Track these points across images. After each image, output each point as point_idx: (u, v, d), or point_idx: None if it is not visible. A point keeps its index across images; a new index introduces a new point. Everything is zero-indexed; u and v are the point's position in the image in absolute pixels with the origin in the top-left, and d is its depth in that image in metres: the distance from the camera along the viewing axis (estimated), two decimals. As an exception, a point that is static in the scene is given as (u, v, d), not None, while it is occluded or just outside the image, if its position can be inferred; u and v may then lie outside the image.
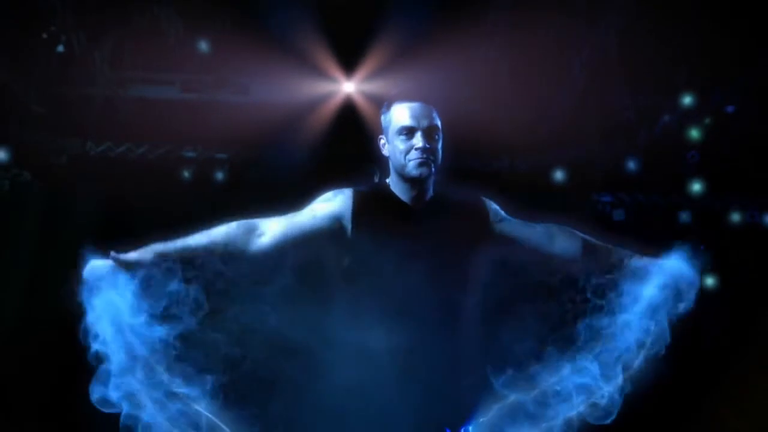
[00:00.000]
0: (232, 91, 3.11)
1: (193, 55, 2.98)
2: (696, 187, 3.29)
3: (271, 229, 1.71)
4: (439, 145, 1.76)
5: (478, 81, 3.09)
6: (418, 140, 1.70)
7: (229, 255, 1.67)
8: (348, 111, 3.11)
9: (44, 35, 2.83)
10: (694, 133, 3.16)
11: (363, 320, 1.67)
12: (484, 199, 1.79)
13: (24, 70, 2.89)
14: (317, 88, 3.07)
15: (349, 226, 1.71)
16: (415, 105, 1.74)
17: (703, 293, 2.09)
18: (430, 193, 1.78)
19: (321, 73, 3.04)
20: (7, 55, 2.84)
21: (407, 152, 1.71)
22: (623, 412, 1.81)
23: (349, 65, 3.05)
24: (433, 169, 1.73)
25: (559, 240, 1.76)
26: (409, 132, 1.72)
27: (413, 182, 1.74)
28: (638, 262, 1.72)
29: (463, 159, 2.91)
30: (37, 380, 2.92)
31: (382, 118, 1.78)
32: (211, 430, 1.70)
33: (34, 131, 2.97)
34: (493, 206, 1.79)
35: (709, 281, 3.14)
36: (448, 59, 2.93)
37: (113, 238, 1.86)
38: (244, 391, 1.91)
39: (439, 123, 1.76)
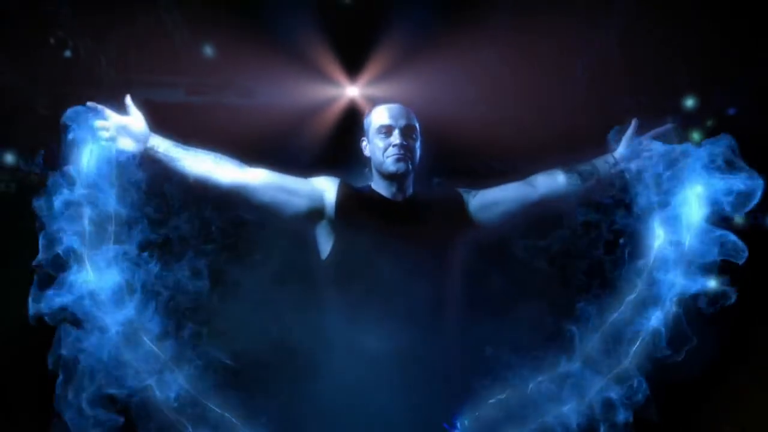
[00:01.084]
0: (237, 94, 3.14)
1: (199, 59, 3.02)
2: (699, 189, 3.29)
3: (255, 170, 1.78)
4: (417, 144, 1.82)
5: (480, 84, 3.11)
6: (395, 138, 1.77)
7: (213, 172, 1.72)
8: (352, 115, 3.13)
9: (51, 40, 2.87)
10: (696, 136, 3.17)
11: (349, 315, 1.70)
12: (458, 190, 1.83)
13: (31, 73, 2.93)
14: (321, 91, 3.10)
15: (332, 207, 1.76)
16: (393, 106, 1.83)
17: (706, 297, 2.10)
18: (410, 190, 1.83)
19: (325, 77, 3.06)
20: (15, 60, 2.88)
21: (386, 149, 1.78)
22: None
23: (352, 70, 3.08)
24: (410, 166, 1.79)
25: (541, 181, 1.79)
26: (387, 130, 1.80)
27: (392, 178, 1.80)
28: (621, 150, 1.79)
29: (465, 161, 2.94)
30: (40, 381, 2.93)
31: (365, 122, 1.85)
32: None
33: (41, 134, 3.00)
34: (465, 190, 1.83)
35: (712, 283, 3.14)
36: (450, 63, 2.95)
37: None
38: (232, 385, 1.95)
39: (416, 124, 1.83)
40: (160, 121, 2.01)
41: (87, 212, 1.72)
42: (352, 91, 3.11)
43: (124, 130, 1.70)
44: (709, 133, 3.31)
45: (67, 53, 2.90)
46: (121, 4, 2.85)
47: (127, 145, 1.70)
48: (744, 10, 2.84)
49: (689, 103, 3.14)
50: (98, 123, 1.66)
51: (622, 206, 1.81)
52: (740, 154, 2.52)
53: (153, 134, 1.73)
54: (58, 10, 2.83)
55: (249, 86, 3.15)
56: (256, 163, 1.94)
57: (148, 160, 1.71)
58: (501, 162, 3.37)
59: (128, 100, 1.71)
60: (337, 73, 3.07)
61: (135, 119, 1.71)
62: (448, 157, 2.80)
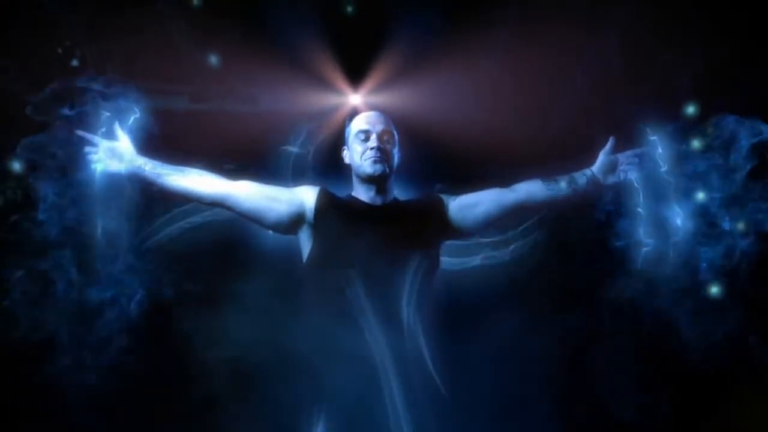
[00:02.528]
0: (241, 101, 3.18)
1: (203, 67, 3.06)
2: (700, 195, 3.30)
3: (237, 182, 1.88)
4: (395, 150, 1.88)
5: (482, 91, 3.14)
6: (372, 142, 1.83)
7: (197, 185, 1.85)
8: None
9: (59, 50, 2.92)
10: (696, 143, 3.18)
11: (328, 316, 1.73)
12: (439, 195, 1.89)
13: (39, 82, 2.97)
14: (324, 99, 3.13)
15: (312, 212, 1.82)
16: (371, 113, 1.89)
17: (707, 301, 2.14)
18: (391, 196, 1.87)
19: (328, 86, 3.09)
20: (23, 68, 2.91)
21: (363, 153, 1.83)
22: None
23: (355, 78, 3.11)
24: (387, 169, 1.84)
25: (521, 187, 1.87)
26: (365, 135, 1.85)
27: (370, 180, 1.85)
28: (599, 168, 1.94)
29: (467, 166, 2.96)
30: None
31: (345, 131, 1.91)
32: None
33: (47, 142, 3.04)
34: (446, 195, 1.89)
35: (714, 290, 3.14)
36: (452, 71, 2.98)
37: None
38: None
39: (394, 130, 1.89)
40: (165, 127, 2.05)
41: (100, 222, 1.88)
42: (355, 99, 3.14)
43: (112, 152, 1.82)
44: (710, 140, 3.35)
45: (75, 62, 2.95)
46: (127, 14, 2.90)
47: (115, 166, 1.84)
48: (746, 17, 2.87)
49: (690, 110, 3.15)
50: (87, 148, 1.81)
51: (614, 216, 1.90)
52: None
53: (138, 155, 1.84)
54: (66, 20, 2.88)
55: (253, 94, 3.19)
56: (259, 168, 1.98)
57: (135, 178, 1.82)
58: (503, 168, 3.39)
59: (116, 126, 1.84)
60: (340, 81, 3.10)
61: (122, 143, 1.84)
62: (450, 162, 2.82)
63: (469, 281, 2.43)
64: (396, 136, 1.93)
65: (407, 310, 1.73)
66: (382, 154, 1.85)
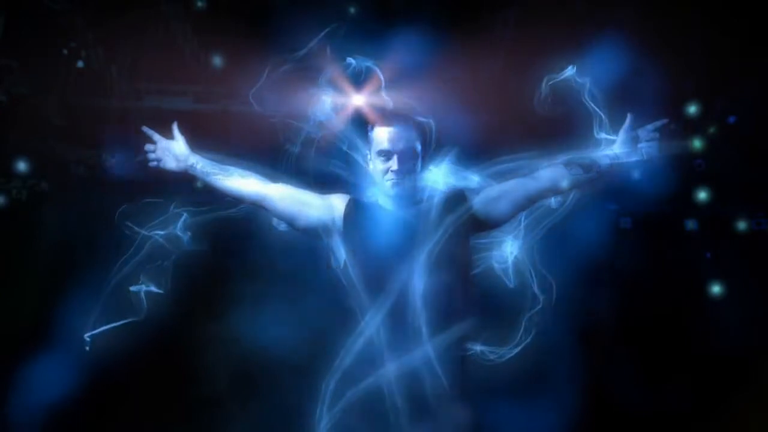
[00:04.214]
0: (244, 102, 3.19)
1: (207, 68, 3.08)
2: (702, 195, 3.31)
3: (275, 184, 1.97)
4: (417, 163, 1.88)
5: (484, 91, 3.14)
6: (393, 163, 1.85)
7: (239, 185, 1.94)
8: (357, 123, 3.17)
9: (65, 51, 2.95)
10: (697, 143, 3.19)
11: (359, 321, 1.74)
12: (462, 190, 1.89)
13: (45, 84, 3.00)
14: (327, 100, 3.14)
15: (340, 220, 1.84)
16: (392, 129, 1.88)
17: (709, 301, 2.15)
18: (416, 197, 1.88)
19: (331, 86, 3.10)
20: (29, 70, 2.95)
21: (385, 173, 1.84)
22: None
23: (358, 78, 3.12)
24: (408, 188, 1.85)
25: (544, 174, 1.86)
26: (386, 155, 1.86)
27: (391, 197, 1.85)
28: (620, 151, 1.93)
29: (469, 165, 2.97)
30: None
31: (368, 136, 1.92)
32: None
33: (53, 142, 3.07)
34: (469, 189, 1.89)
35: (716, 289, 3.15)
36: (455, 71, 2.99)
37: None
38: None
39: (416, 143, 1.87)
40: (170, 127, 2.08)
41: None
42: (358, 100, 3.15)
43: (168, 151, 1.91)
44: (711, 141, 3.36)
45: (80, 63, 2.98)
46: (132, 16, 2.92)
47: (170, 164, 1.94)
48: (747, 19, 2.88)
49: (692, 110, 3.16)
50: (147, 145, 1.93)
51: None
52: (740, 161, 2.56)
53: (192, 154, 1.92)
54: (72, 22, 2.90)
55: (255, 95, 3.20)
56: (263, 167, 2.02)
57: (187, 175, 1.94)
58: (505, 165, 3.39)
59: (174, 126, 1.92)
60: (343, 81, 3.11)
61: (177, 142, 1.89)
62: (452, 162, 2.83)
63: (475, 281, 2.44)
64: (419, 149, 1.92)
65: (414, 312, 1.75)
66: (403, 175, 1.87)
